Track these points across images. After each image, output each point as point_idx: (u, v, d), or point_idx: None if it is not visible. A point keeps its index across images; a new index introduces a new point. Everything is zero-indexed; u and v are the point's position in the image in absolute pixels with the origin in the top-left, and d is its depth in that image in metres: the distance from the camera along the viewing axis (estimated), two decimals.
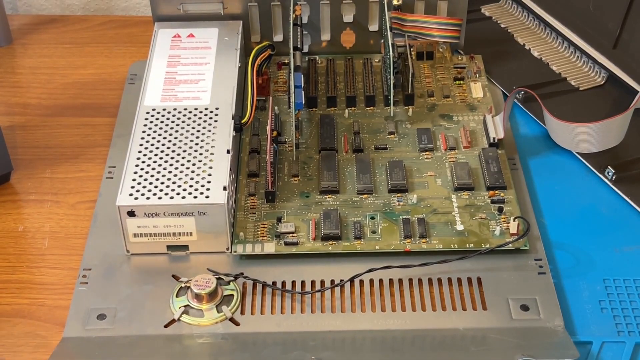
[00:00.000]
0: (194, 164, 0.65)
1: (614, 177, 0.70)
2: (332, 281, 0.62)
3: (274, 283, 0.62)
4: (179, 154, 0.66)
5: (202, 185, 0.63)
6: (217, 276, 0.62)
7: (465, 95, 0.78)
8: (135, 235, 0.63)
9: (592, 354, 0.58)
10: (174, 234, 0.64)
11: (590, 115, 0.73)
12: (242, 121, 0.70)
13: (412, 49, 0.81)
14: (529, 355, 0.57)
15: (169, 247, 0.64)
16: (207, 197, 0.63)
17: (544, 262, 0.64)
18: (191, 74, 0.73)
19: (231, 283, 0.62)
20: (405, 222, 0.65)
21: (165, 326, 0.60)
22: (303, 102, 0.71)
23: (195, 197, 0.63)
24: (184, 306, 0.61)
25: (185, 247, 0.64)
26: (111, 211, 0.64)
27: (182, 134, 0.67)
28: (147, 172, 0.64)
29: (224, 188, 0.63)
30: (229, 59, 0.75)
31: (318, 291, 0.62)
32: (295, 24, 0.77)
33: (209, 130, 0.68)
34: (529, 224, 0.65)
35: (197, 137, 0.67)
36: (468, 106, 0.77)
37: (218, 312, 0.60)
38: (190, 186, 0.63)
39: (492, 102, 0.77)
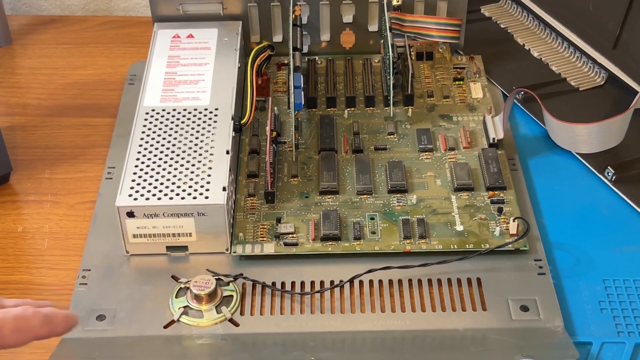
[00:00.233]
0: (193, 165, 0.65)
1: (613, 177, 0.70)
2: (332, 282, 0.62)
3: (274, 284, 0.62)
4: (178, 155, 0.66)
5: (202, 186, 0.63)
6: (217, 277, 0.62)
7: (465, 95, 0.78)
8: (134, 235, 0.63)
9: (592, 355, 0.58)
10: (174, 235, 0.64)
11: (590, 116, 0.73)
12: (242, 122, 0.70)
13: (411, 50, 0.81)
14: (528, 355, 0.56)
15: (169, 248, 0.64)
16: (206, 197, 0.62)
17: (544, 262, 0.64)
18: (191, 75, 0.73)
19: (231, 284, 0.62)
20: (404, 223, 0.65)
21: (165, 327, 0.60)
22: (303, 102, 0.71)
23: (194, 197, 0.62)
24: (184, 307, 0.60)
25: (184, 248, 0.64)
26: (111, 212, 0.63)
27: (181, 135, 0.67)
28: (146, 173, 0.64)
29: (224, 189, 0.63)
30: (229, 60, 0.74)
31: (318, 292, 0.62)
32: (294, 24, 0.77)
33: (209, 131, 0.68)
34: (528, 225, 0.65)
35: (197, 138, 0.67)
36: (468, 106, 0.77)
37: (217, 312, 0.60)
38: (190, 187, 0.63)
39: (492, 103, 0.77)
